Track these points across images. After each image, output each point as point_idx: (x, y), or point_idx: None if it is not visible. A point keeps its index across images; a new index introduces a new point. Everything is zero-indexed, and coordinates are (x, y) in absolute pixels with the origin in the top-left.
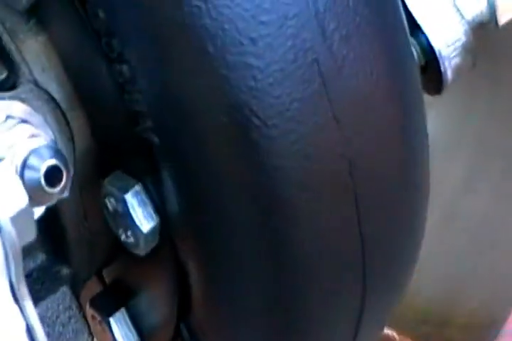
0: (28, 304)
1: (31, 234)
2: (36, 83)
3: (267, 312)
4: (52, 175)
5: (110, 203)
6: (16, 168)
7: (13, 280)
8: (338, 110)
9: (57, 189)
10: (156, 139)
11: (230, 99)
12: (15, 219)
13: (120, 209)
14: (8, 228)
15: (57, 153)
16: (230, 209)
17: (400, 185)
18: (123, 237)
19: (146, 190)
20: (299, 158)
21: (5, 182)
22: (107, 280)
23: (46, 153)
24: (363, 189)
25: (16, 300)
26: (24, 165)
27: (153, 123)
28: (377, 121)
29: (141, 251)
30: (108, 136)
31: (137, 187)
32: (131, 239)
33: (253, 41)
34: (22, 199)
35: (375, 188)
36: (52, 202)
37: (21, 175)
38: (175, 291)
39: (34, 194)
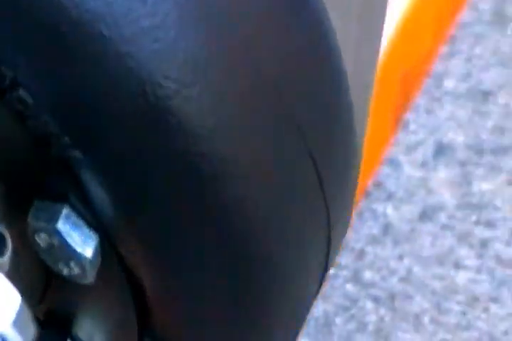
0: None
1: (32, 329)
2: None
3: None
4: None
5: (42, 239)
6: None
7: None
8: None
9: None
10: (76, 153)
11: (138, 77)
12: (16, 323)
13: (55, 241)
14: (12, 334)
15: None
16: (167, 198)
17: None
18: (65, 271)
19: (74, 209)
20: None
21: None
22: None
23: None
24: None
25: None
26: None
27: (71, 137)
28: None
29: (89, 278)
30: (14, 170)
31: (65, 211)
32: (76, 270)
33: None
34: (16, 299)
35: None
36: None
37: None
38: (129, 306)
39: None
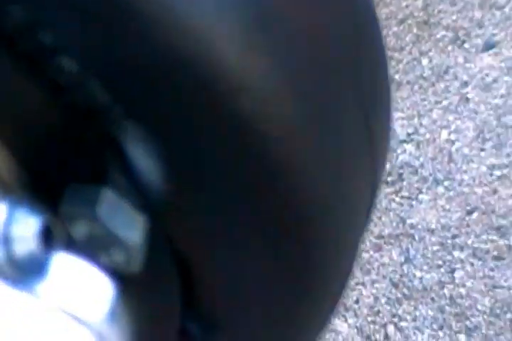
0: None
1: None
2: None
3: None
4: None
5: (78, 228)
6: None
7: None
8: None
9: None
10: (128, 123)
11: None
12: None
13: (95, 228)
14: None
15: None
16: (221, 167)
17: None
18: (107, 261)
19: (116, 189)
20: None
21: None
22: None
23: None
24: None
25: None
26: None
27: (124, 107)
28: None
29: (135, 266)
30: (45, 153)
31: (106, 192)
32: (120, 258)
33: None
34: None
35: None
36: None
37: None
38: (174, 287)
39: None
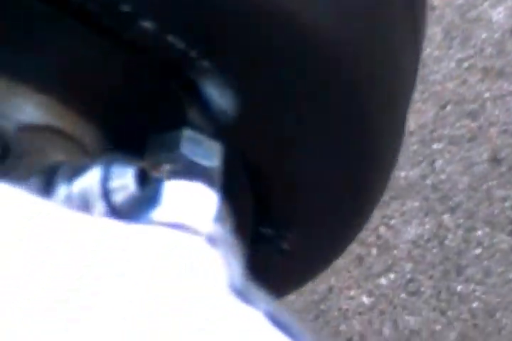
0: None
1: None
2: None
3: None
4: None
5: (164, 170)
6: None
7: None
8: None
9: None
10: (205, 63)
11: None
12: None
13: (180, 166)
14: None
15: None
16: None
17: None
18: None
19: (194, 127)
20: None
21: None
22: None
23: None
24: None
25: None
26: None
27: (198, 51)
28: None
29: (217, 187)
30: (127, 108)
31: (185, 133)
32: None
33: None
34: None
35: None
36: None
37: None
38: (248, 198)
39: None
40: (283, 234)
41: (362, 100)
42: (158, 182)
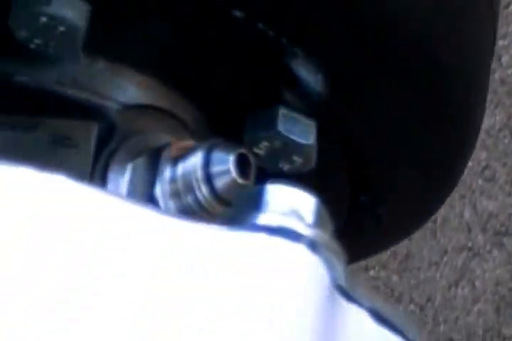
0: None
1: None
2: None
3: None
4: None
5: (261, 148)
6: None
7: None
8: None
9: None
10: (296, 50)
11: None
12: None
13: (277, 144)
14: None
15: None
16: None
17: None
18: (286, 168)
19: (289, 106)
20: None
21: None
22: None
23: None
24: None
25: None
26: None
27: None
28: None
29: (312, 164)
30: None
31: (281, 111)
32: (299, 161)
33: None
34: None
35: None
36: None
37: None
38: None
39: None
40: (380, 200)
41: (447, 75)
42: (260, 184)
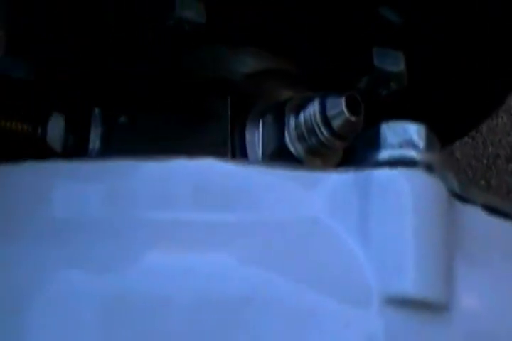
0: None
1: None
2: None
3: None
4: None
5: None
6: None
7: None
8: None
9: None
10: None
11: None
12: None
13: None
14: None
15: None
16: None
17: None
18: (384, 92)
19: None
20: None
21: None
22: None
23: None
24: None
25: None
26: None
27: None
28: None
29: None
30: None
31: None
32: (394, 84)
33: None
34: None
35: None
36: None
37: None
38: None
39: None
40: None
41: None
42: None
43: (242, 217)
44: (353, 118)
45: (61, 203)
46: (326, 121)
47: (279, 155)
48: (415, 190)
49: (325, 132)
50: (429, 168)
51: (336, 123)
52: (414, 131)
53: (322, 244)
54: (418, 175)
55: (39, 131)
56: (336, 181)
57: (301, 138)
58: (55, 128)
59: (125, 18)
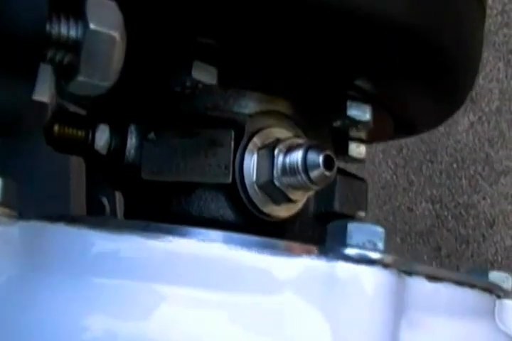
0: None
1: None
2: None
3: None
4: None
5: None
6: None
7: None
8: None
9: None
10: None
11: None
12: None
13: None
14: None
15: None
16: None
17: None
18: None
19: None
20: None
21: None
22: None
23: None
24: None
25: None
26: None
27: None
28: None
29: (369, 126)
30: None
31: None
32: (362, 127)
33: None
34: None
35: None
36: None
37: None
38: None
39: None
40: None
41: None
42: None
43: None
44: (327, 173)
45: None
46: (305, 170)
47: (268, 185)
48: (373, 284)
49: (304, 178)
50: (385, 266)
51: (313, 174)
52: (377, 234)
53: (289, 321)
54: (376, 272)
55: (89, 137)
56: (307, 266)
57: (285, 175)
58: (102, 137)
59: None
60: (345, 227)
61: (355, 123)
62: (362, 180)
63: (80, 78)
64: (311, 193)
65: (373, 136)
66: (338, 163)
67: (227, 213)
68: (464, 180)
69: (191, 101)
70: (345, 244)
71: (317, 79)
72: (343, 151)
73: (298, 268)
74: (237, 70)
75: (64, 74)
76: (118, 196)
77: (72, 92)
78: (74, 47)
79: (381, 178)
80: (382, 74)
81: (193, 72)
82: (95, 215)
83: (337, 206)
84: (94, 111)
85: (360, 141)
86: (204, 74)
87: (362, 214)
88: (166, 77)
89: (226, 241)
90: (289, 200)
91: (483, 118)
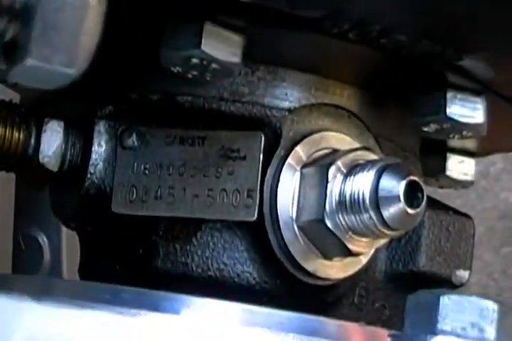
0: None
1: None
2: None
3: None
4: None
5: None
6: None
7: None
8: None
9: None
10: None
11: None
12: None
13: (446, 125)
14: None
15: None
16: None
17: None
18: (456, 137)
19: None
20: None
21: None
22: None
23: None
24: None
25: None
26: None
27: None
28: None
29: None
30: None
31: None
32: (470, 134)
33: None
34: None
35: None
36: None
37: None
38: None
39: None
40: None
41: None
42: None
43: None
44: (410, 211)
45: None
46: (376, 205)
47: (315, 226)
48: None
49: (374, 217)
50: None
51: (389, 212)
52: (486, 313)
53: None
54: None
55: (31, 142)
56: None
57: (344, 211)
58: (52, 141)
59: None
60: (437, 302)
61: (460, 126)
62: (466, 217)
63: (30, 61)
64: (382, 243)
65: (487, 145)
66: (429, 191)
67: (248, 270)
68: None
69: (197, 88)
70: (434, 330)
71: (402, 53)
72: (437, 170)
73: None
74: (272, 38)
75: (6, 55)
76: (65, 232)
77: (17, 82)
78: (22, 13)
79: (499, 202)
80: (500, 48)
81: (203, 44)
82: (22, 265)
83: (423, 262)
84: (41, 99)
85: (466, 153)
86: (220, 47)
87: (464, 274)
88: (155, 49)
89: (244, 322)
90: (348, 252)
91: None
